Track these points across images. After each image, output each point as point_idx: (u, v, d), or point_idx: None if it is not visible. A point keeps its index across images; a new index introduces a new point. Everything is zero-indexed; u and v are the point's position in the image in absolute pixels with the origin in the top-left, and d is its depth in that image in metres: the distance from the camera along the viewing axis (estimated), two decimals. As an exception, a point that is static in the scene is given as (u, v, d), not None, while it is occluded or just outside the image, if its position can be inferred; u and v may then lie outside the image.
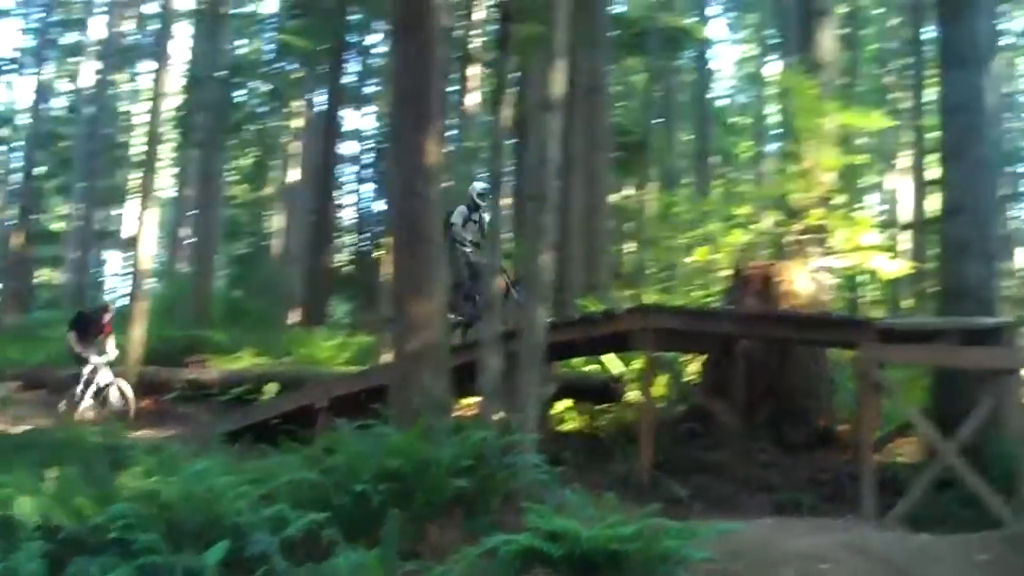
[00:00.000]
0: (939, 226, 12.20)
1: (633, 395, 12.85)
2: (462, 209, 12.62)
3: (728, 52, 43.74)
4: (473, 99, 24.73)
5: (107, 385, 15.05)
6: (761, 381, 12.05)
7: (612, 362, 13.78)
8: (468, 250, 12.58)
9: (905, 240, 25.09)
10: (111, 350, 15.41)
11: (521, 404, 8.18)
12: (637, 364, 12.71)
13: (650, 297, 15.60)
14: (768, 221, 13.95)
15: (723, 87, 42.41)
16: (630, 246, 27.12)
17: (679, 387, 13.10)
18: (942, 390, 11.15)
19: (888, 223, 26.61)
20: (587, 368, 14.02)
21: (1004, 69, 30.05)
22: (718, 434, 11.60)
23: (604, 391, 13.18)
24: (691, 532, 6.26)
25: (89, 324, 15.47)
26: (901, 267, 13.96)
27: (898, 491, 9.47)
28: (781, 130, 19.38)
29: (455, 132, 25.42)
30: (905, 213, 28.14)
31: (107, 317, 15.60)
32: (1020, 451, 9.42)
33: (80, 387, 14.99)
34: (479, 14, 24.61)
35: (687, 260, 16.60)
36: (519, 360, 8.35)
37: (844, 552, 7.37)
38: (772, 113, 30.28)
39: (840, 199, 13.85)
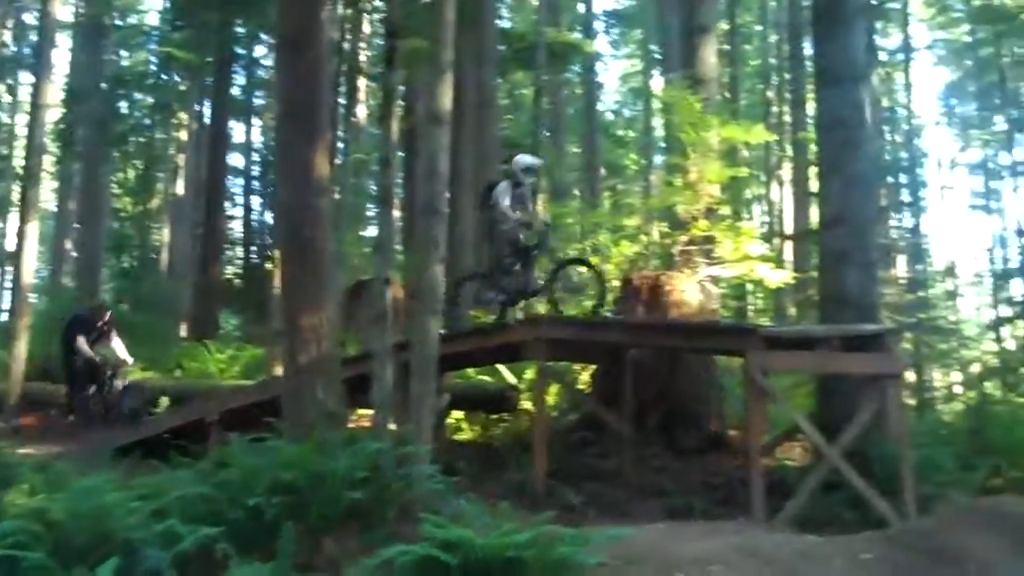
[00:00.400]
0: (820, 236, 12.54)
1: (526, 405, 12.94)
2: (505, 186, 11.83)
3: (614, 66, 44.25)
4: (362, 111, 24.70)
5: (125, 388, 14.61)
6: (652, 389, 12.24)
7: (506, 372, 13.86)
8: (509, 227, 11.76)
9: (789, 250, 25.63)
10: (125, 354, 14.77)
11: (415, 415, 8.18)
12: (530, 374, 12.80)
13: (542, 308, 15.70)
14: (656, 232, 14.18)
15: (610, 101, 42.97)
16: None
17: (571, 396, 13.24)
18: (826, 395, 11.46)
19: (772, 234, 27.17)
20: (481, 379, 14.06)
21: (880, 84, 30.92)
22: (610, 441, 11.75)
23: (498, 401, 13.24)
24: (585, 538, 6.32)
25: (89, 326, 14.69)
26: (785, 276, 14.28)
27: (786, 494, 9.68)
28: (667, 143, 19.68)
29: (343, 144, 25.30)
30: (788, 224, 28.76)
31: (107, 317, 14.92)
32: (902, 453, 9.72)
33: (93, 392, 14.50)
34: (366, 28, 24.60)
35: (578, 271, 16.76)
36: (412, 371, 8.36)
37: (735, 555, 7.51)
38: (658, 127, 30.72)
39: (725, 210, 14.14)
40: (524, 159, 12.16)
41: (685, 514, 9.90)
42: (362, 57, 25.38)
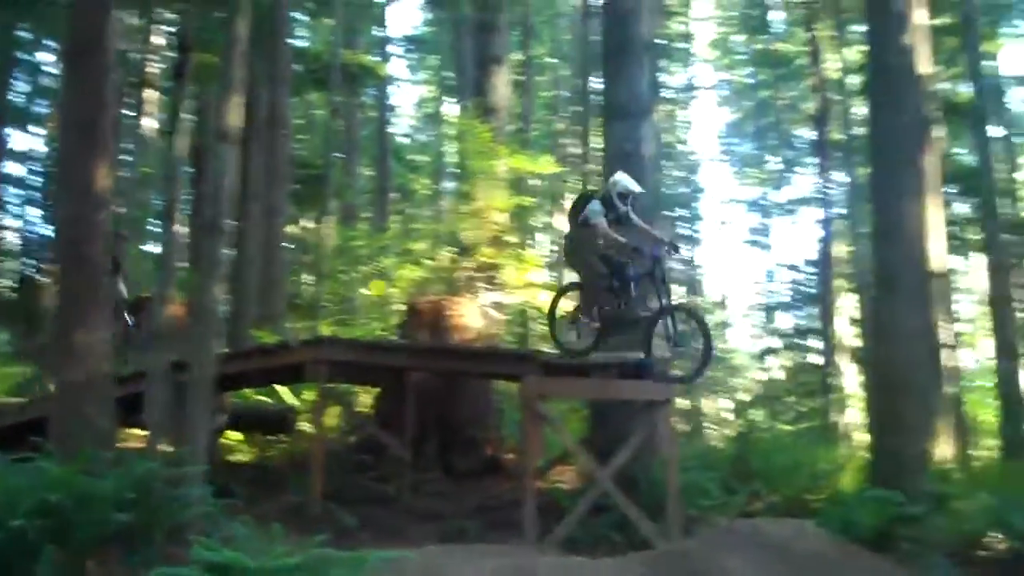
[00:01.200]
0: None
1: (306, 426, 12.89)
2: (597, 207, 10.28)
3: (410, 91, 44.46)
4: (150, 124, 24.11)
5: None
6: (432, 412, 12.36)
7: (286, 393, 13.76)
8: (608, 248, 10.10)
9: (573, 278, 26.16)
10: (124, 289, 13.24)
11: (190, 435, 8.08)
12: (311, 395, 12.75)
13: (326, 329, 15.61)
14: (442, 257, 14.36)
15: (404, 125, 43.07)
16: (308, 278, 27.07)
17: (351, 418, 13.23)
18: (600, 420, 11.79)
19: (558, 263, 27.73)
20: (260, 399, 13.91)
21: (664, 121, 32.02)
22: (389, 465, 11.80)
23: (276, 422, 13.14)
24: (358, 561, 6.36)
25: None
26: (567, 304, 14.63)
27: (559, 516, 9.92)
28: (457, 170, 19.96)
29: (130, 157, 24.63)
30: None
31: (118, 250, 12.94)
32: (669, 477, 10.10)
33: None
34: (158, 39, 24.06)
35: (364, 293, 16.77)
36: (188, 390, 8.25)
37: (506, 577, 7.71)
38: (450, 153, 31.04)
39: (510, 238, 14.42)
40: (624, 182, 10.58)
41: (459, 537, 10.03)
42: (153, 69, 24.77)
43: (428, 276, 14.52)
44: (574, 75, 31.73)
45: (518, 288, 13.65)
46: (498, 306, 13.68)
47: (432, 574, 7.55)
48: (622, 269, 10.36)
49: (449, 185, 29.17)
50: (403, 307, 13.74)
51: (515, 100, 25.82)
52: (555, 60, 35.08)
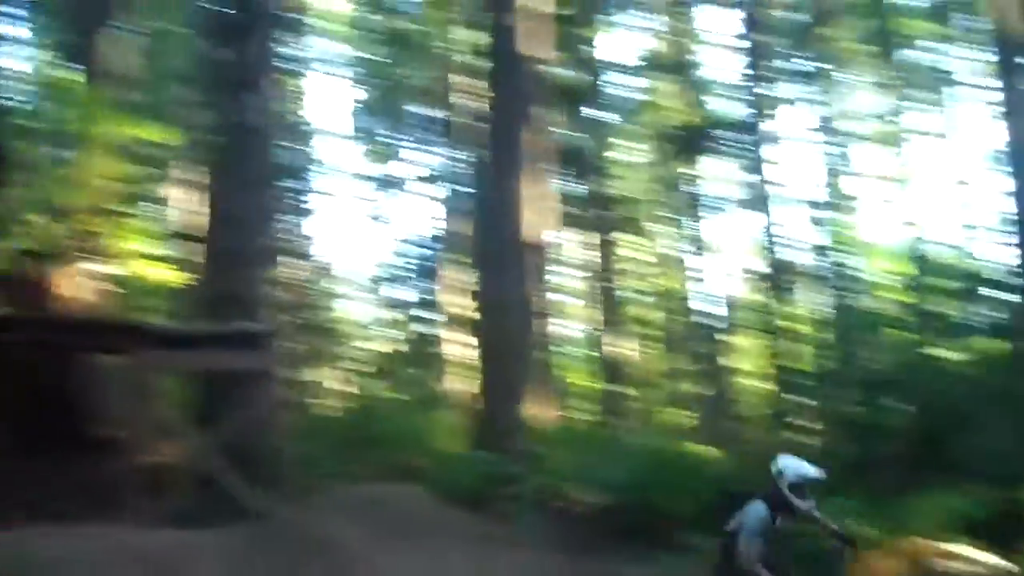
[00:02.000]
0: (209, 236, 12.77)
1: None
2: (760, 511, 6.75)
3: (19, 52, 41.92)
4: None
5: None
6: (32, 387, 11.80)
7: None
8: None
9: (188, 248, 25.62)
10: None
11: None
12: None
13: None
14: (43, 225, 13.71)
15: (15, 88, 40.57)
16: None
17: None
18: (208, 392, 11.67)
19: (172, 232, 27.04)
20: None
21: (284, 93, 31.79)
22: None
23: None
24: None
25: None
26: (174, 274, 14.40)
27: (166, 491, 9.80)
28: (64, 135, 19.14)
29: None
30: (187, 223, 28.70)
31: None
32: (282, 447, 10.20)
33: None
34: None
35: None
36: None
37: (105, 555, 7.56)
38: (58, 118, 29.57)
39: (118, 207, 13.98)
40: (796, 469, 6.89)
41: (59, 517, 9.69)
42: None
43: (27, 245, 13.81)
44: (198, 44, 30.93)
45: (123, 258, 13.26)
46: (102, 276, 13.21)
47: (21, 556, 7.31)
48: None
49: (56, 151, 27.80)
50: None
51: (137, 66, 24.94)
52: (182, 29, 34.06)
